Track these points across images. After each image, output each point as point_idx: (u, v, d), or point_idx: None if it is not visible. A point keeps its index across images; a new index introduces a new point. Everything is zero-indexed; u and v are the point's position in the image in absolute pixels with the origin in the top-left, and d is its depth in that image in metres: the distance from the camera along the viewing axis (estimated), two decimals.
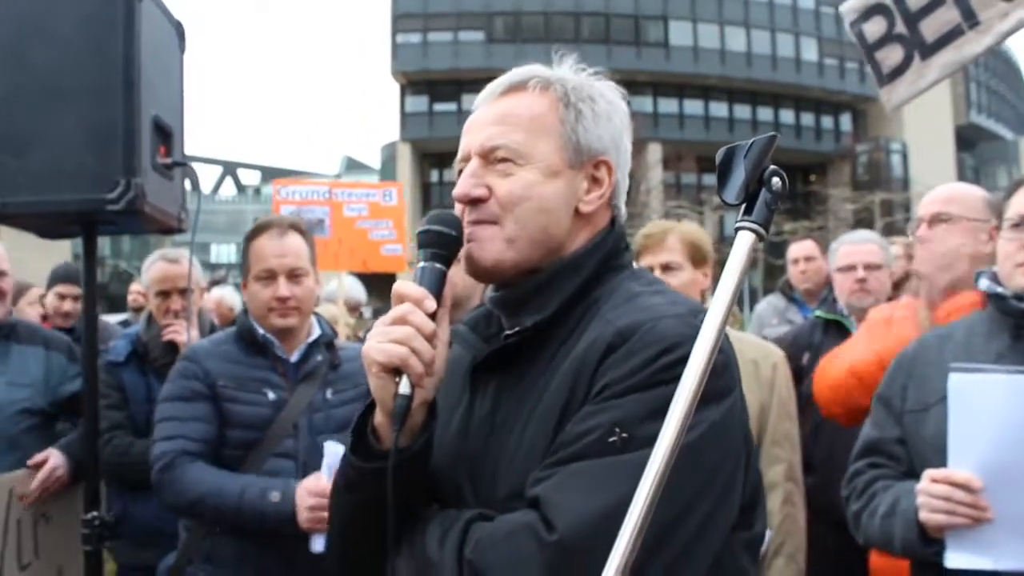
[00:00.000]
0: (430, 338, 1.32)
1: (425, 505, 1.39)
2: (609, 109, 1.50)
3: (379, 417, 1.36)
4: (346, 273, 6.16)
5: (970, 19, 2.84)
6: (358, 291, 7.55)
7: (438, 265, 1.37)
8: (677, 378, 1.09)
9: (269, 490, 2.55)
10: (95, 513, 2.60)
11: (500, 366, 1.44)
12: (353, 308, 7.51)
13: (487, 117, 1.47)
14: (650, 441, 1.06)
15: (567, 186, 1.44)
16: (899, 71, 3.03)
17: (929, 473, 1.94)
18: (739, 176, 1.07)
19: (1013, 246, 2.11)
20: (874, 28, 3.08)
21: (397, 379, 1.30)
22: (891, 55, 3.05)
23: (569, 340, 1.38)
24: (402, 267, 6.08)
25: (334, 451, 2.53)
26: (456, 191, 1.44)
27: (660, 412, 1.07)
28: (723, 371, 1.31)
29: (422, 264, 1.38)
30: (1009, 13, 2.78)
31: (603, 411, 1.26)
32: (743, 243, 1.04)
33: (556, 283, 1.42)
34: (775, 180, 1.07)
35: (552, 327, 1.40)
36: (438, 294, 1.36)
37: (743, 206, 1.07)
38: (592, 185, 1.47)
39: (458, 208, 1.45)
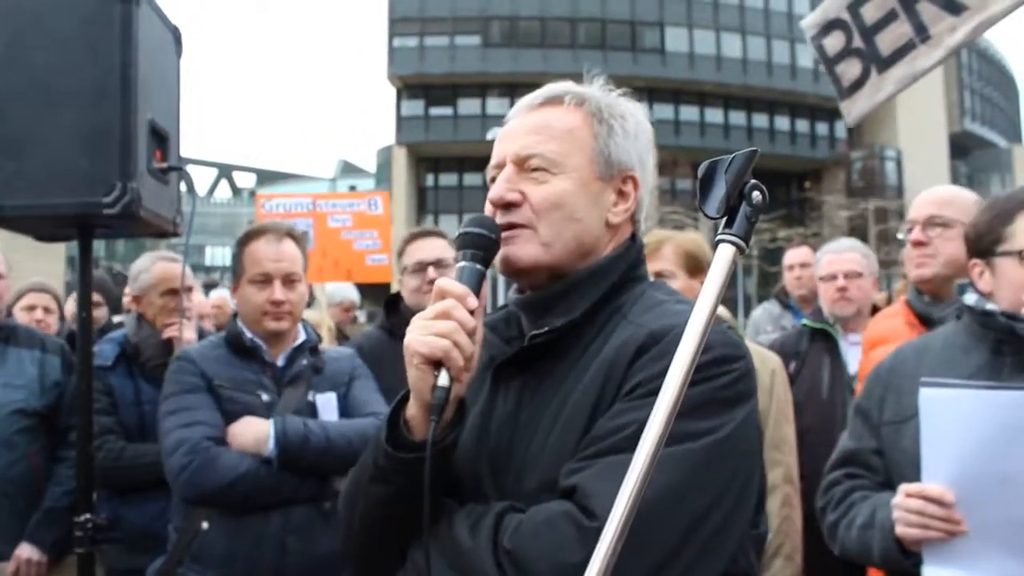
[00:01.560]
0: (471, 334, 1.36)
1: (443, 499, 1.42)
2: (637, 128, 1.57)
3: (412, 410, 1.40)
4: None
5: (922, 33, 2.87)
6: (351, 292, 7.57)
7: (478, 266, 1.42)
8: (707, 380, 1.24)
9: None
10: (88, 515, 2.60)
11: (523, 366, 1.48)
12: (347, 308, 7.53)
13: (523, 127, 1.53)
14: (681, 438, 1.15)
15: (597, 197, 1.51)
16: (858, 84, 3.07)
17: (904, 488, 1.94)
18: (720, 190, 1.10)
19: None
20: (833, 42, 3.12)
21: (436, 372, 1.33)
22: (850, 69, 3.09)
23: (595, 342, 1.44)
24: (388, 276, 6.00)
25: (326, 402, 2.82)
26: (492, 194, 1.50)
27: (692, 411, 1.21)
28: (746, 376, 1.38)
29: (462, 263, 1.43)
30: (957, 27, 2.81)
31: (637, 408, 1.30)
32: (724, 255, 1.07)
33: (583, 288, 1.48)
34: (755, 194, 1.10)
35: (578, 330, 1.46)
36: (476, 293, 1.40)
37: (724, 219, 1.10)
38: (619, 198, 1.54)
39: (488, 210, 1.51)
